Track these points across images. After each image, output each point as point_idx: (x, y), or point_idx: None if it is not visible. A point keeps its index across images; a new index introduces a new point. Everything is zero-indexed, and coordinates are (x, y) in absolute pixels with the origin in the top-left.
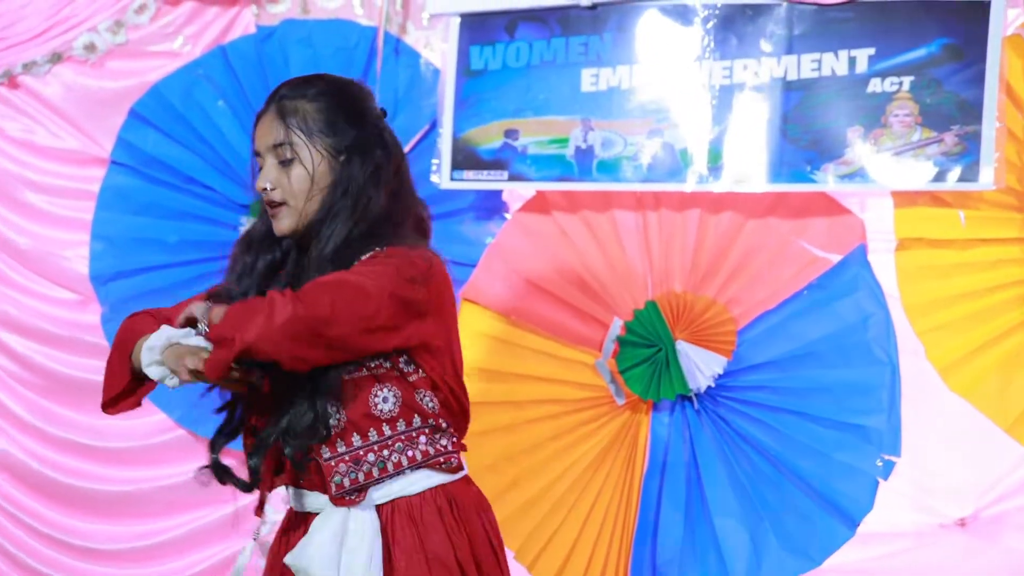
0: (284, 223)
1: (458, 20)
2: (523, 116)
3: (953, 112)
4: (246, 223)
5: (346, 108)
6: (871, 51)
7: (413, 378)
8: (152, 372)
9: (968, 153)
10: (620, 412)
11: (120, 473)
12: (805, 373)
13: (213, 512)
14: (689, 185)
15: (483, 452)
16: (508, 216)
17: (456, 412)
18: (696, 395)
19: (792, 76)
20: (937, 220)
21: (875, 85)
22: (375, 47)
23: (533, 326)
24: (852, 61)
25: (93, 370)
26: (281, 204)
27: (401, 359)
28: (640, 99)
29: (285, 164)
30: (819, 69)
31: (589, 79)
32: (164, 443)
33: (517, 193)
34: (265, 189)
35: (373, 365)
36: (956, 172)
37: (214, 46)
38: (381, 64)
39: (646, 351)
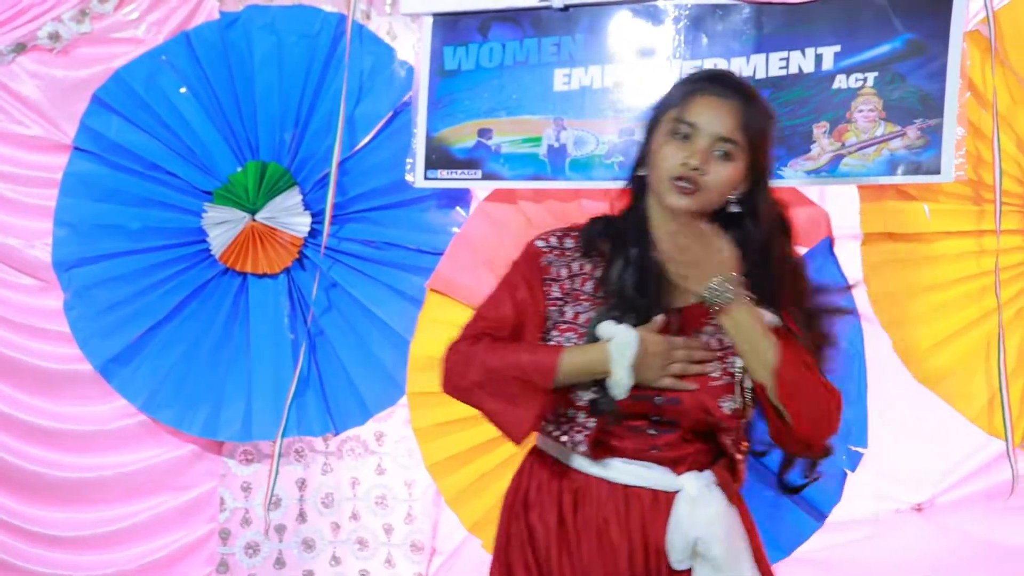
0: (689, 203)
1: (431, 20)
2: (496, 116)
3: (916, 106)
4: (210, 210)
5: (772, 139)
6: (837, 48)
7: None
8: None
9: (931, 146)
10: None
11: (80, 460)
12: None
13: (173, 499)
14: None
15: (449, 441)
16: (473, 205)
17: None
18: None
19: (760, 74)
20: (902, 214)
21: (840, 82)
22: (338, 34)
23: None
24: (819, 58)
25: (53, 357)
26: (698, 189)
27: None
28: (612, 98)
29: (720, 158)
30: (787, 67)
31: (561, 79)
32: (124, 429)
33: None
34: (697, 170)
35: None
36: (919, 165)
37: (178, 32)
38: (349, 51)
39: None
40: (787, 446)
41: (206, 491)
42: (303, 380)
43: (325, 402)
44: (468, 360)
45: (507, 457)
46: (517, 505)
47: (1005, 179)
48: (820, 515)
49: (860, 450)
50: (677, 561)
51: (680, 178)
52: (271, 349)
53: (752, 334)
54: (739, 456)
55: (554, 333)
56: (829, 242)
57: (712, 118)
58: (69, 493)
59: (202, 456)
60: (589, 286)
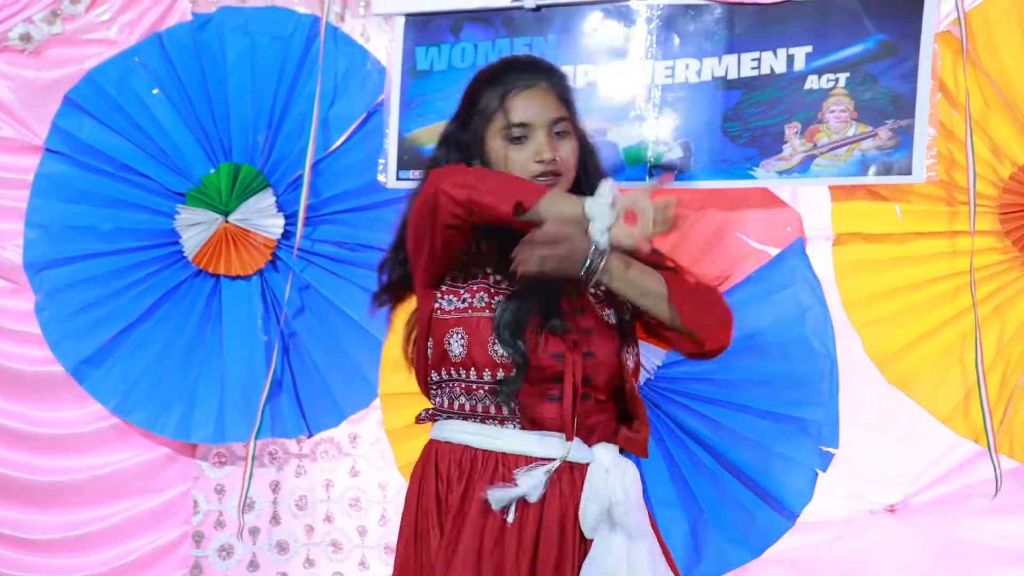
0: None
1: (403, 20)
2: None
3: (887, 107)
4: (182, 212)
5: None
6: (808, 49)
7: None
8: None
9: (902, 147)
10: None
11: (52, 462)
12: (744, 365)
13: (144, 502)
14: (632, 184)
15: (422, 443)
16: None
17: None
18: None
19: (732, 75)
20: (874, 214)
21: (812, 82)
22: (312, 35)
23: None
24: (790, 59)
25: (25, 359)
26: (559, 173)
27: None
28: (584, 99)
29: (559, 137)
30: (758, 67)
31: None
32: (96, 431)
33: None
34: (554, 160)
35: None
36: (890, 166)
37: (150, 33)
38: (323, 52)
39: None
40: (697, 355)
41: (179, 493)
42: (276, 382)
43: (299, 404)
44: (466, 168)
45: None
46: (424, 498)
47: (978, 181)
48: (791, 515)
49: (831, 451)
50: (590, 529)
51: (541, 174)
52: (244, 351)
53: (636, 279)
54: (637, 403)
55: (459, 280)
56: (801, 243)
57: (538, 109)
58: (41, 496)
59: (175, 458)
60: None
